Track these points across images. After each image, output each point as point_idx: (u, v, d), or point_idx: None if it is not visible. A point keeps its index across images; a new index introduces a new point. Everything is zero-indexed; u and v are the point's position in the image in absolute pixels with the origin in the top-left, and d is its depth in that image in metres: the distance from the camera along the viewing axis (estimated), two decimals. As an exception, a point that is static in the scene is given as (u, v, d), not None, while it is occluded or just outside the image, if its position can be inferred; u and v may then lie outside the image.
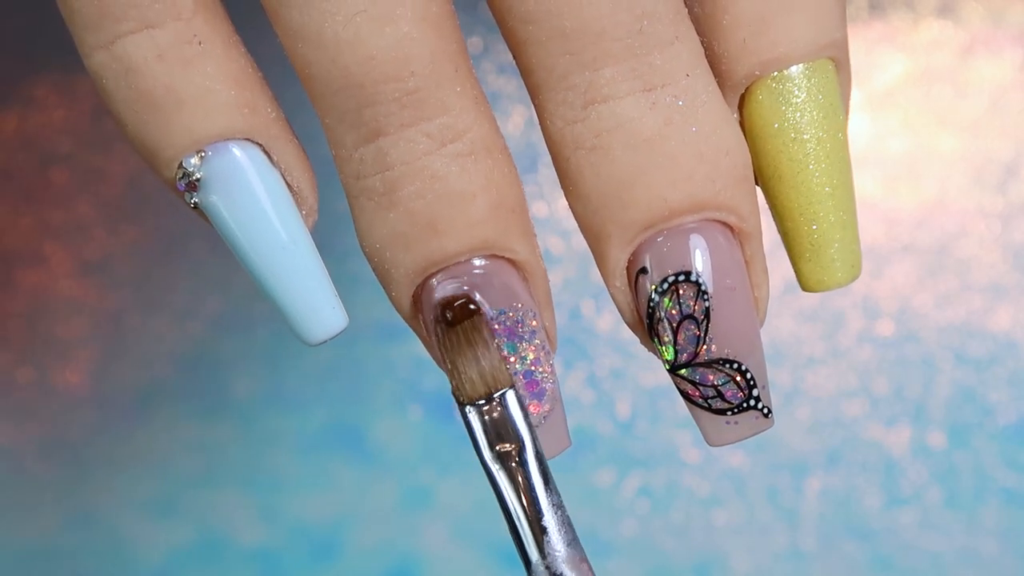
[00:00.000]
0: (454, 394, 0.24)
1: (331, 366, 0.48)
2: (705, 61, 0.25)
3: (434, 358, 0.26)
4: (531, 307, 0.25)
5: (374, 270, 0.25)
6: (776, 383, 0.47)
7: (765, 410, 0.26)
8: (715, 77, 0.25)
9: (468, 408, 0.24)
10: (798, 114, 0.25)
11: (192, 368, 0.49)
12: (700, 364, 0.25)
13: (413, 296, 0.25)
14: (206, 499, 0.49)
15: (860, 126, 0.47)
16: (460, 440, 0.48)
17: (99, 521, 0.49)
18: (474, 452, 0.24)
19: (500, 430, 0.24)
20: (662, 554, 0.48)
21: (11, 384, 0.49)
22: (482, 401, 0.24)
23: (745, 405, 0.25)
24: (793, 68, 0.25)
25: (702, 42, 0.25)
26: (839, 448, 0.47)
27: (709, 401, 0.25)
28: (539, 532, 0.24)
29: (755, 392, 0.25)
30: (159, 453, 0.49)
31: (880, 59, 0.47)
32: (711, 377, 0.25)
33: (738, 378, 0.25)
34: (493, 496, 0.24)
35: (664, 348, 0.25)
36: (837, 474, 0.47)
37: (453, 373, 0.24)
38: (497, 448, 0.24)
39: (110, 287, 0.49)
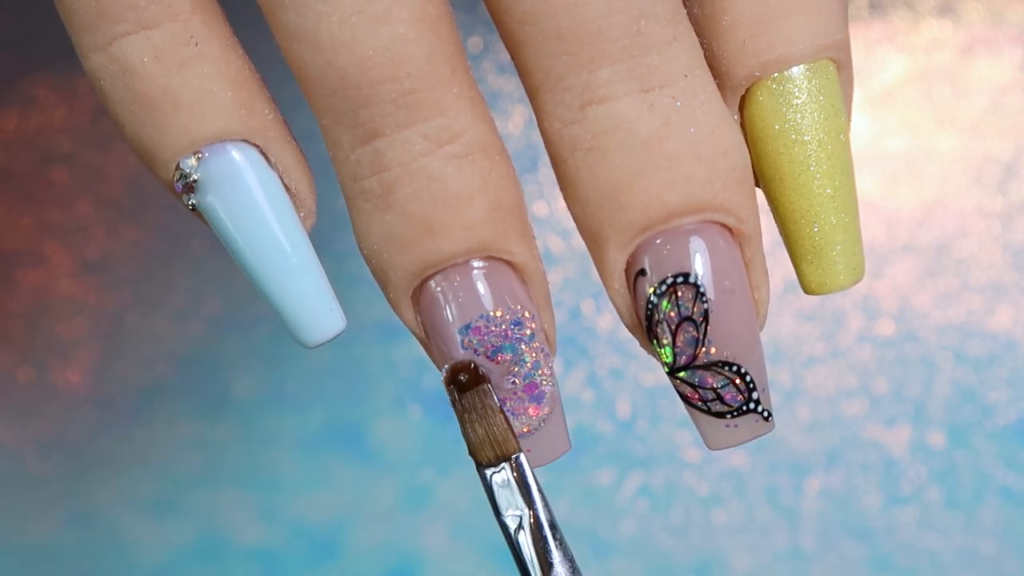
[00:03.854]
0: (470, 455, 0.25)
1: (331, 366, 0.48)
2: (704, 62, 0.25)
3: (432, 359, 0.26)
4: (530, 309, 0.25)
5: (372, 272, 0.25)
6: (776, 383, 0.47)
7: (765, 413, 0.25)
8: (715, 78, 0.25)
9: (485, 471, 0.25)
10: (799, 116, 0.25)
11: (192, 368, 0.49)
12: (699, 366, 0.25)
13: (411, 298, 0.25)
14: (206, 499, 0.49)
15: (860, 126, 0.47)
16: (460, 440, 0.48)
17: (99, 521, 0.49)
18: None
19: (512, 494, 0.25)
20: (662, 554, 0.48)
21: (11, 384, 0.49)
22: (495, 466, 0.25)
23: (745, 408, 0.25)
24: (794, 69, 0.25)
25: (702, 43, 0.25)
26: (839, 448, 0.47)
27: (708, 404, 0.25)
28: None
29: (755, 395, 0.25)
30: (159, 453, 0.49)
31: (880, 59, 0.47)
32: (710, 380, 0.25)
33: (737, 381, 0.25)
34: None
35: (663, 350, 0.25)
36: (837, 474, 0.47)
37: (466, 437, 0.25)
38: (509, 512, 0.25)
39: (110, 287, 0.49)
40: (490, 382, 0.25)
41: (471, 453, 0.25)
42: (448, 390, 0.25)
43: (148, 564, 0.49)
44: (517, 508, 0.25)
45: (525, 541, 0.25)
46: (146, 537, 0.49)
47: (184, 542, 0.49)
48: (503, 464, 0.25)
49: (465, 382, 0.25)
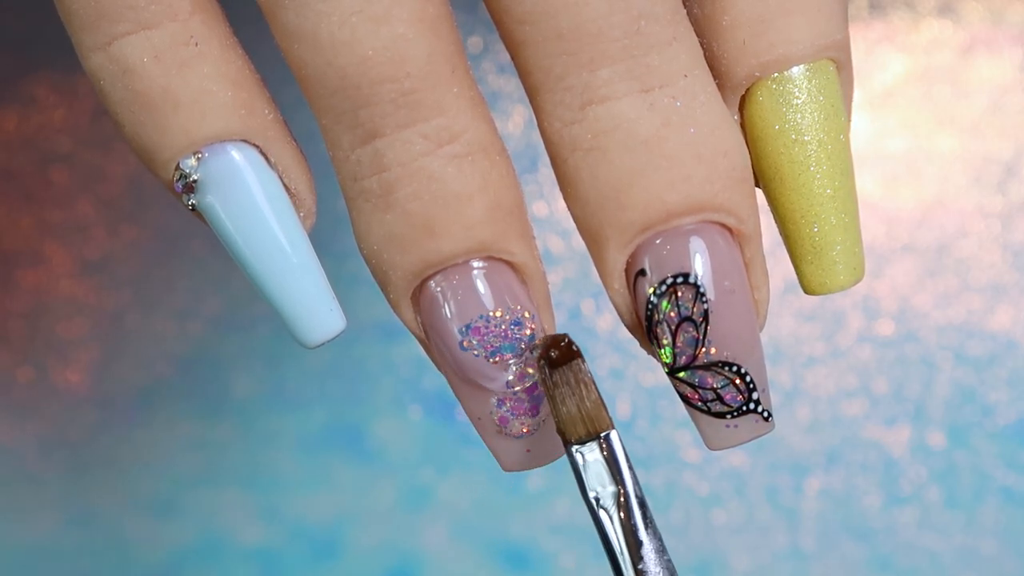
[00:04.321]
0: (559, 432, 0.25)
1: (331, 366, 0.48)
2: (704, 62, 0.25)
3: (432, 360, 0.26)
4: (530, 309, 0.25)
5: (372, 272, 0.25)
6: (776, 383, 0.47)
7: (765, 413, 0.25)
8: (715, 78, 0.25)
9: (574, 448, 0.25)
10: (799, 116, 0.25)
11: (192, 368, 0.49)
12: (699, 367, 0.25)
13: (411, 298, 0.25)
14: (206, 499, 0.49)
15: (860, 126, 0.47)
16: (460, 440, 0.48)
17: (99, 521, 0.49)
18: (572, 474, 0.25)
19: (602, 472, 0.25)
20: (662, 554, 0.47)
21: (11, 384, 0.49)
22: (585, 442, 0.24)
23: (745, 408, 0.25)
24: (794, 69, 0.25)
25: (702, 43, 0.25)
26: (839, 448, 0.47)
27: (708, 404, 0.25)
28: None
29: (755, 395, 0.25)
30: (159, 453, 0.49)
31: (880, 59, 0.47)
32: (710, 380, 0.25)
33: (737, 381, 0.25)
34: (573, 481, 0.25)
35: (663, 351, 0.25)
36: (837, 474, 0.47)
37: (556, 413, 0.24)
38: (599, 489, 0.25)
39: (110, 287, 0.49)
40: (582, 357, 0.24)
41: (560, 430, 0.25)
42: (539, 366, 0.24)
43: (148, 564, 0.49)
44: (604, 486, 0.24)
45: (613, 520, 0.24)
46: (146, 537, 0.49)
47: (184, 542, 0.49)
48: (592, 441, 0.25)
49: (556, 357, 0.24)
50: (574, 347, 0.24)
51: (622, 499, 0.24)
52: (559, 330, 0.26)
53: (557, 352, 0.24)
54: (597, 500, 0.24)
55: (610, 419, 0.25)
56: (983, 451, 0.47)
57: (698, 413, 0.26)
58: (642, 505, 0.24)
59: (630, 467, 0.25)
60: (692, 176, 0.24)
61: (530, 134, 0.48)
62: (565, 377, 0.24)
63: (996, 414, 0.47)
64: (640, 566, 0.24)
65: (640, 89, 0.24)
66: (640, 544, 0.24)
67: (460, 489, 0.48)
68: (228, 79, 0.24)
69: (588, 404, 0.24)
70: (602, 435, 0.24)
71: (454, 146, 0.24)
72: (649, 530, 0.24)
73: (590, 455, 0.24)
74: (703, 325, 0.25)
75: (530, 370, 0.25)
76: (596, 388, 0.24)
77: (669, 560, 0.25)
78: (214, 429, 0.49)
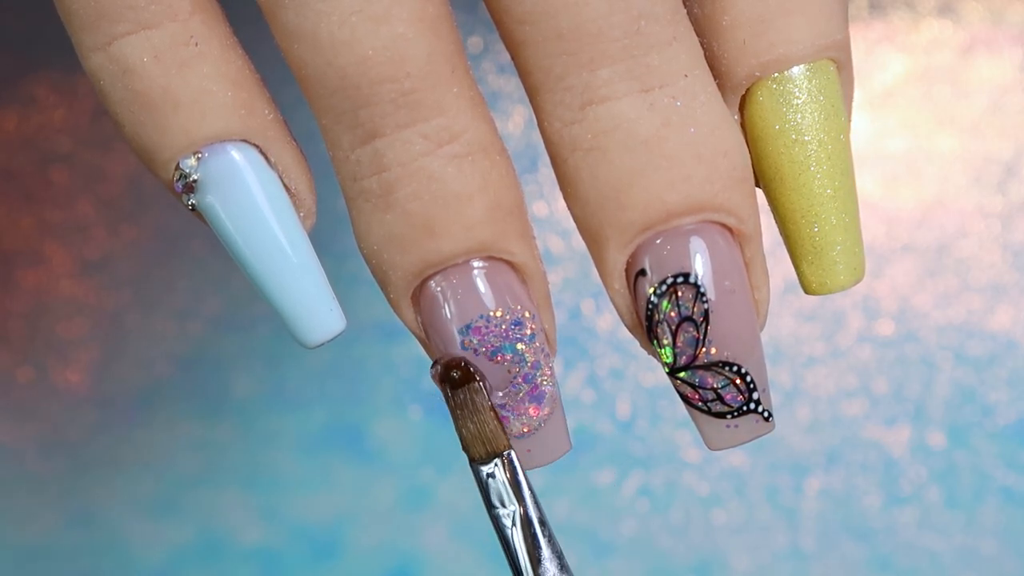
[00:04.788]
0: (463, 450, 0.26)
1: (331, 366, 0.48)
2: (704, 62, 0.25)
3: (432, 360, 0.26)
4: (530, 309, 0.25)
5: (372, 272, 0.25)
6: (776, 383, 0.47)
7: (765, 413, 0.25)
8: (715, 78, 0.25)
9: (477, 467, 0.26)
10: (799, 116, 0.25)
11: (192, 368, 0.49)
12: (699, 367, 0.25)
13: (411, 298, 0.25)
14: (206, 499, 0.49)
15: (860, 126, 0.47)
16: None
17: (99, 521, 0.49)
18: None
19: (503, 491, 0.26)
20: (662, 554, 0.48)
21: (11, 384, 0.49)
22: (487, 463, 0.25)
23: (745, 408, 0.25)
24: (794, 69, 0.25)
25: (702, 43, 0.25)
26: (839, 448, 0.47)
27: (708, 404, 0.25)
28: None
29: (755, 395, 0.25)
30: (159, 453, 0.49)
31: (880, 59, 0.47)
32: (710, 380, 0.25)
33: (738, 381, 0.25)
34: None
35: (663, 351, 0.25)
36: (837, 474, 0.47)
37: (458, 433, 0.25)
38: (499, 508, 0.26)
39: (110, 287, 0.49)
40: (482, 380, 0.25)
41: (464, 448, 0.25)
42: (441, 387, 0.25)
43: (148, 564, 0.49)
44: (508, 504, 0.25)
45: (515, 536, 0.25)
46: (146, 537, 0.49)
47: (184, 542, 0.49)
48: (495, 460, 0.25)
49: (457, 379, 0.25)
50: (472, 369, 0.25)
51: (523, 518, 0.25)
52: (559, 330, 0.26)
53: (459, 373, 0.25)
54: (497, 516, 0.25)
55: (508, 441, 0.25)
56: (983, 451, 0.47)
57: (698, 413, 0.26)
58: (542, 523, 0.26)
59: (530, 486, 0.26)
60: (692, 176, 0.24)
61: (530, 134, 0.48)
62: (464, 399, 0.25)
63: (996, 414, 0.47)
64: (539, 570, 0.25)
65: (640, 89, 0.24)
66: (539, 562, 0.25)
67: (460, 489, 0.48)
68: (228, 79, 0.24)
69: (486, 427, 0.25)
70: (503, 454, 0.25)
71: (454, 146, 0.24)
72: (549, 548, 0.26)
73: (491, 474, 0.25)
74: (703, 325, 0.25)
75: (547, 371, 0.26)
76: (494, 411, 0.25)
77: (569, 570, 0.26)
78: (214, 429, 0.49)
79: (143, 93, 0.24)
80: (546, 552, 0.25)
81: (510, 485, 0.25)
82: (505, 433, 0.25)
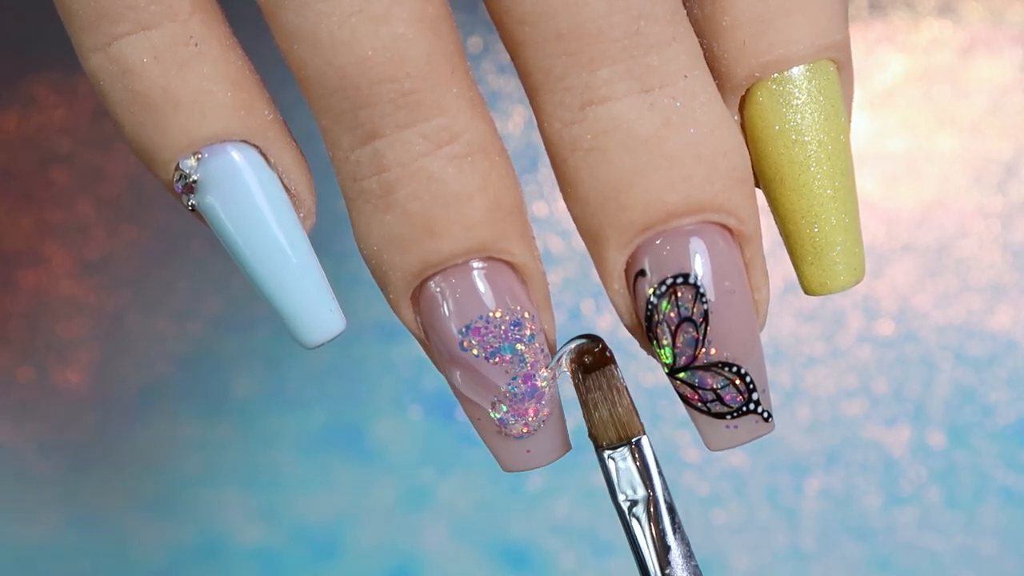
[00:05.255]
0: (590, 436, 0.25)
1: (331, 366, 0.48)
2: (704, 62, 0.25)
3: (432, 360, 0.26)
4: (530, 309, 0.25)
5: (372, 272, 0.25)
6: (776, 383, 0.47)
7: (765, 414, 0.25)
8: (715, 79, 0.25)
9: (606, 453, 0.25)
10: (799, 116, 0.25)
11: (192, 368, 0.49)
12: (699, 367, 0.25)
13: (411, 298, 0.25)
14: (206, 499, 0.49)
15: (860, 126, 0.47)
16: (460, 440, 0.48)
17: (99, 521, 0.49)
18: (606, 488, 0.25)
19: (633, 477, 0.25)
20: (662, 554, 0.47)
21: (11, 384, 0.49)
22: (617, 447, 0.25)
23: (745, 409, 0.25)
24: (794, 69, 0.25)
25: (702, 43, 0.25)
26: (839, 448, 0.47)
27: (708, 405, 0.25)
28: None
29: (755, 396, 0.25)
30: (159, 453, 0.49)
31: (880, 59, 0.47)
32: (710, 380, 0.25)
33: (737, 381, 0.25)
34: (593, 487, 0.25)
35: (663, 351, 0.25)
36: (837, 474, 0.47)
37: (588, 417, 0.25)
38: (629, 493, 0.25)
39: (110, 287, 0.49)
40: (615, 363, 0.25)
41: (592, 435, 0.25)
42: (572, 370, 0.25)
43: (148, 564, 0.49)
44: (635, 490, 0.25)
45: (642, 524, 0.25)
46: (146, 537, 0.49)
47: (184, 542, 0.49)
48: (623, 446, 0.25)
49: (590, 363, 0.24)
50: (608, 352, 0.25)
51: (651, 504, 0.25)
52: (559, 330, 0.26)
53: (591, 357, 0.24)
54: (627, 505, 0.25)
55: (641, 425, 0.25)
56: (983, 451, 0.47)
57: (698, 414, 0.26)
58: (671, 511, 0.25)
59: (660, 472, 0.25)
60: (692, 176, 0.24)
61: (530, 134, 0.48)
62: (598, 382, 0.24)
63: (996, 414, 0.47)
64: (668, 571, 0.25)
65: (640, 89, 0.24)
66: (668, 549, 0.25)
67: (460, 489, 0.48)
68: (228, 79, 0.24)
69: (620, 409, 0.25)
70: (633, 440, 0.25)
71: (454, 146, 0.24)
72: (677, 535, 0.25)
73: (621, 460, 0.25)
74: (703, 325, 0.25)
75: (544, 371, 0.25)
76: (628, 394, 0.25)
77: (696, 565, 0.25)
78: (214, 429, 0.49)
79: (143, 93, 0.24)
80: (674, 541, 0.25)
81: (639, 471, 0.25)
82: (639, 417, 0.25)
